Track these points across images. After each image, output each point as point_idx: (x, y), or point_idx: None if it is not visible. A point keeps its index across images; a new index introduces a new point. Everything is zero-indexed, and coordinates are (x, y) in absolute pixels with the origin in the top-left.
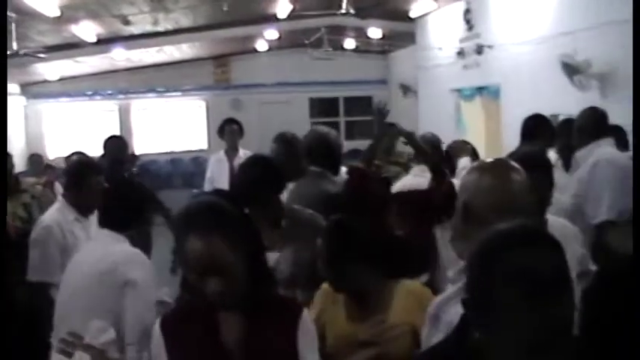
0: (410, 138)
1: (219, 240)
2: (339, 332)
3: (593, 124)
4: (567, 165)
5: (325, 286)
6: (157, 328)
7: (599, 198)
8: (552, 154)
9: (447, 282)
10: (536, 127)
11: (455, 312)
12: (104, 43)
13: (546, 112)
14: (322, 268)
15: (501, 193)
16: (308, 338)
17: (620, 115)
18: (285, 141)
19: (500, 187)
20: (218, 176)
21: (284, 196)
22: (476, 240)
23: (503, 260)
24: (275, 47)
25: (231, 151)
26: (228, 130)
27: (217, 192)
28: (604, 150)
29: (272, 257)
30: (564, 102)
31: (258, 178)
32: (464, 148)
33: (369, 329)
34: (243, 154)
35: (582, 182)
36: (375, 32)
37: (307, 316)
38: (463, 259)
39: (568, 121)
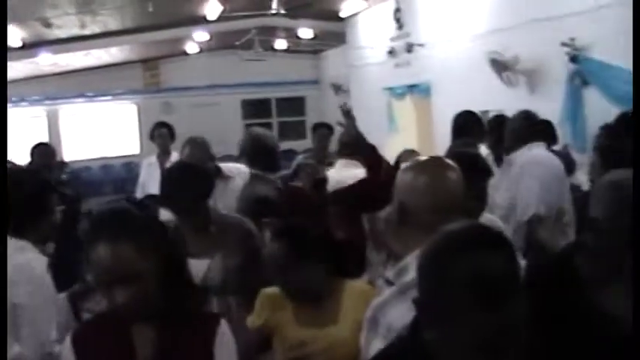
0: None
1: (127, 247)
2: (290, 338)
3: (525, 128)
4: (499, 161)
5: (268, 291)
6: (67, 343)
7: (529, 196)
8: (484, 149)
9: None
10: (466, 124)
11: (394, 314)
12: (29, 47)
13: (476, 108)
14: (273, 274)
15: (438, 193)
16: (226, 350)
17: (547, 109)
18: (195, 145)
19: (436, 186)
20: (149, 181)
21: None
22: (414, 241)
23: (455, 262)
24: (205, 49)
25: (163, 155)
26: (158, 134)
27: (128, 199)
28: (534, 152)
29: (202, 264)
30: (494, 98)
31: (185, 185)
32: (413, 157)
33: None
34: (175, 157)
35: (513, 182)
36: (305, 32)
37: (225, 327)
38: (399, 260)
39: (499, 117)
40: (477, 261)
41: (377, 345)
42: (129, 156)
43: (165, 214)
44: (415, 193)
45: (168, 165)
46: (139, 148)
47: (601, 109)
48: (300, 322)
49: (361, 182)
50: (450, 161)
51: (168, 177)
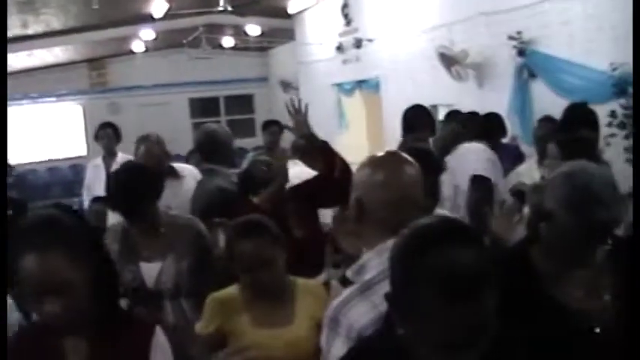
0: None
1: (57, 256)
2: (247, 341)
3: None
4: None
5: (218, 295)
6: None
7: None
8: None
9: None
10: (416, 119)
11: (355, 314)
12: None
13: (426, 103)
14: (234, 273)
15: (396, 188)
16: (162, 357)
17: (495, 103)
18: (151, 142)
19: (394, 182)
20: (95, 183)
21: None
22: (372, 238)
23: (425, 257)
24: (152, 48)
25: (109, 157)
26: (103, 135)
27: (57, 205)
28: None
29: (154, 268)
30: (443, 93)
31: (133, 186)
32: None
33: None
34: (121, 158)
35: (452, 174)
36: (253, 29)
37: (161, 335)
38: (355, 258)
39: (455, 113)
40: (447, 256)
41: (338, 345)
42: (75, 158)
43: (114, 217)
44: (373, 189)
45: (114, 166)
46: (85, 149)
47: (548, 102)
48: (255, 324)
49: (317, 178)
50: (407, 156)
51: (116, 178)
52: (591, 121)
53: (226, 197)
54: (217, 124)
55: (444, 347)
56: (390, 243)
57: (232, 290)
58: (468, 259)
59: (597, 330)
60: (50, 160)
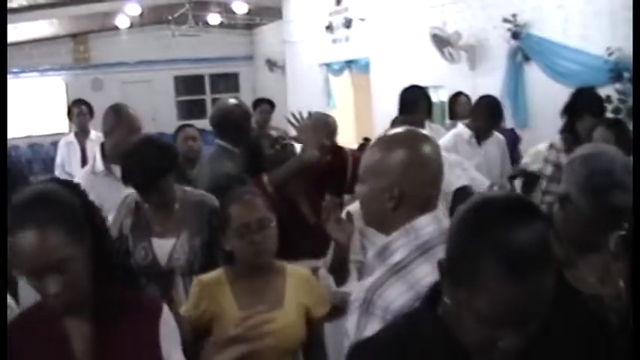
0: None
1: (56, 232)
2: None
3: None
4: (481, 140)
5: (205, 278)
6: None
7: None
8: (465, 130)
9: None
10: (413, 100)
11: (392, 295)
12: None
13: (416, 84)
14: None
15: (434, 166)
16: (171, 336)
17: (488, 85)
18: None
19: (431, 159)
20: (69, 161)
21: None
22: (403, 220)
23: (494, 230)
24: (137, 24)
25: (82, 134)
26: (76, 112)
27: (54, 179)
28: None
29: (167, 244)
30: (434, 74)
31: (149, 161)
32: None
33: (242, 323)
34: (95, 136)
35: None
36: (240, 7)
37: (168, 313)
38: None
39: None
40: (517, 230)
41: (375, 326)
42: (58, 134)
43: (128, 192)
44: (411, 170)
45: (88, 144)
46: (67, 126)
47: (542, 86)
48: (242, 308)
49: (324, 166)
50: (424, 132)
51: (130, 152)
52: (597, 107)
53: (233, 183)
54: (237, 100)
55: (496, 323)
56: (417, 222)
57: (219, 273)
58: (536, 236)
59: (612, 317)
60: (32, 137)
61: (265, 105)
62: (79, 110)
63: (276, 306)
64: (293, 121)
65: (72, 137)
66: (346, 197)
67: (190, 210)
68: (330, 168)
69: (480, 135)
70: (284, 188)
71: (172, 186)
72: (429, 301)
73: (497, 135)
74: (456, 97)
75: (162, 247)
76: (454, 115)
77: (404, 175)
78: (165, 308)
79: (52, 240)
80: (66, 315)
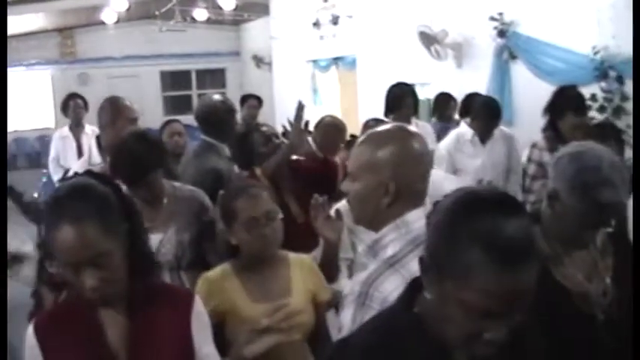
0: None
1: (94, 227)
2: (245, 316)
3: None
4: (484, 139)
5: (211, 275)
6: (30, 336)
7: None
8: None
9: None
10: (401, 97)
11: (389, 287)
12: None
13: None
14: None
15: (426, 161)
16: (203, 327)
17: (474, 83)
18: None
19: (423, 154)
20: (64, 155)
21: None
22: (396, 214)
23: (477, 222)
24: (124, 19)
25: (76, 128)
26: (72, 106)
27: (89, 173)
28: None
29: (155, 239)
30: (421, 71)
31: (138, 155)
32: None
33: (272, 314)
34: (90, 130)
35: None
36: (227, 3)
37: (200, 303)
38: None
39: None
40: (500, 223)
41: None
42: (42, 129)
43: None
44: (406, 165)
45: (83, 138)
46: (53, 121)
47: (528, 84)
48: (254, 299)
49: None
50: (413, 129)
51: (119, 147)
52: (579, 105)
53: (219, 178)
54: (221, 96)
55: (482, 314)
56: (407, 216)
57: (224, 267)
58: (521, 228)
59: (598, 313)
60: (17, 131)
61: (253, 100)
62: (74, 104)
63: (285, 294)
64: (289, 127)
65: (67, 131)
66: None
67: (179, 205)
68: (319, 177)
69: (483, 134)
70: (275, 183)
71: (161, 181)
72: (406, 300)
73: (504, 130)
74: (447, 102)
75: (151, 241)
76: (442, 117)
77: (399, 170)
78: (197, 300)
79: (90, 235)
80: (101, 306)
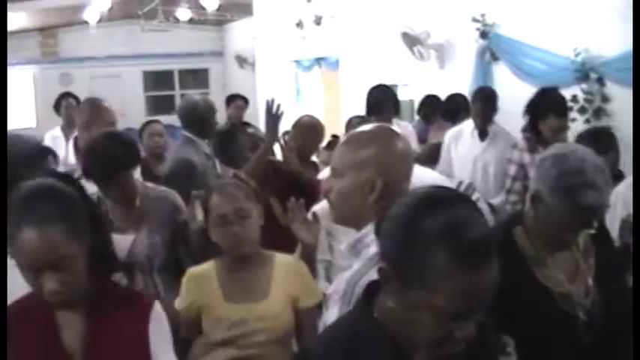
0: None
1: (58, 230)
2: (220, 315)
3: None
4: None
5: (195, 270)
6: None
7: None
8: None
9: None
10: (381, 99)
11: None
12: None
13: (385, 82)
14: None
15: (410, 160)
16: (161, 333)
17: (456, 84)
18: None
19: (408, 154)
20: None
21: None
22: (377, 212)
23: (436, 221)
24: (106, 18)
25: (68, 127)
26: (64, 105)
27: (53, 173)
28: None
29: (127, 240)
30: (404, 72)
31: (110, 154)
32: (362, 124)
33: (229, 329)
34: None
35: None
36: (210, 3)
37: (159, 308)
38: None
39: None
40: (460, 221)
41: None
42: (24, 129)
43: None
44: (392, 163)
45: (73, 137)
46: (34, 121)
47: (510, 85)
48: (229, 299)
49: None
50: (396, 129)
51: (92, 146)
52: (561, 107)
53: (192, 169)
54: (202, 97)
55: (453, 316)
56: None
57: (209, 265)
58: (480, 226)
59: (580, 314)
60: None
61: (239, 101)
62: (67, 103)
63: (262, 296)
64: (282, 143)
65: (59, 131)
66: None
67: (152, 206)
68: (302, 189)
69: (480, 130)
70: (258, 184)
71: (133, 181)
72: (364, 305)
73: (510, 135)
74: (432, 103)
75: (122, 242)
76: (426, 118)
77: (385, 168)
78: (157, 305)
79: (53, 238)
80: (59, 308)
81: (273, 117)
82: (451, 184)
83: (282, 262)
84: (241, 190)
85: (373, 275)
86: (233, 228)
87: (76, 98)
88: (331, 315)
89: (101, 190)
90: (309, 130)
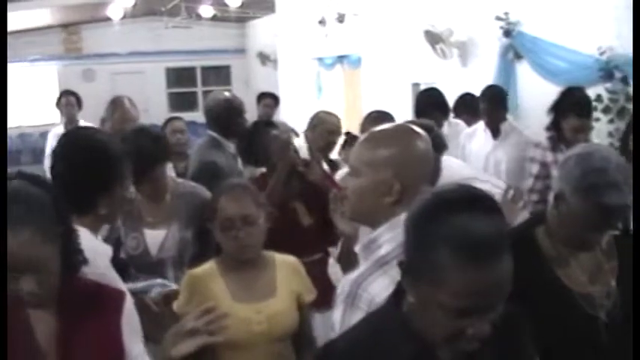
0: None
1: (31, 233)
2: (231, 316)
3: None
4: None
5: (196, 272)
6: None
7: None
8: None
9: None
10: (432, 103)
11: (377, 288)
12: None
13: (408, 80)
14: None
15: (430, 161)
16: (133, 327)
17: (479, 83)
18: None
19: (428, 154)
20: None
21: None
22: (393, 213)
23: (447, 220)
24: (129, 15)
25: (70, 125)
26: (66, 103)
27: (21, 174)
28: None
29: (158, 235)
30: (425, 71)
31: (142, 150)
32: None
33: (199, 318)
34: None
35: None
36: (233, 0)
37: (131, 304)
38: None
39: (491, 89)
40: (470, 220)
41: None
42: (48, 125)
43: None
44: (411, 164)
45: None
46: (59, 116)
47: (533, 84)
48: (237, 300)
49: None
50: (418, 129)
51: (124, 141)
52: (584, 108)
53: (217, 172)
54: (229, 94)
55: (462, 313)
56: (404, 216)
57: (210, 265)
58: (489, 225)
59: (601, 315)
60: (21, 127)
61: (268, 99)
62: (67, 101)
63: (269, 295)
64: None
65: (61, 129)
66: None
67: (181, 201)
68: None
69: (491, 128)
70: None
71: (164, 176)
72: (394, 300)
73: (523, 134)
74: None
75: (154, 237)
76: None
77: (403, 171)
78: (128, 298)
79: (28, 242)
80: (32, 308)
81: (283, 143)
82: (499, 189)
83: (283, 260)
84: (249, 195)
85: (377, 278)
86: (238, 233)
87: (76, 96)
88: (336, 315)
89: (133, 186)
90: (326, 132)
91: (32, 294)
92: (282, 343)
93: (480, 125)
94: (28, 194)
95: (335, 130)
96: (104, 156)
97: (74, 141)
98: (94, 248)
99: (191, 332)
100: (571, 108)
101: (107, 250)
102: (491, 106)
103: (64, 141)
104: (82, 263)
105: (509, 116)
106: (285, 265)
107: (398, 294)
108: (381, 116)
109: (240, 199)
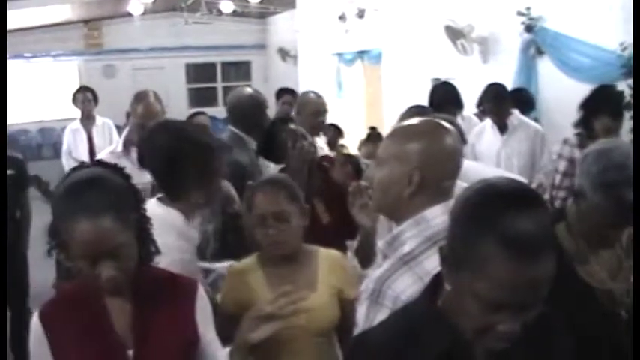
0: None
1: (111, 220)
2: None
3: None
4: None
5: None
6: (35, 322)
7: None
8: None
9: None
10: (447, 97)
11: (401, 286)
12: None
13: (428, 76)
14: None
15: (456, 158)
16: (206, 314)
17: (500, 78)
18: (148, 99)
19: (455, 151)
20: (75, 147)
21: None
22: (416, 209)
23: (495, 214)
24: (150, 11)
25: (87, 120)
26: (83, 99)
27: (99, 163)
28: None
29: None
30: (446, 66)
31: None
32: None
33: (275, 301)
34: (101, 122)
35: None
36: None
37: (203, 292)
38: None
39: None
40: (518, 215)
41: (384, 317)
42: (69, 119)
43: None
44: (435, 160)
45: (94, 130)
46: (79, 112)
47: (554, 80)
48: (276, 293)
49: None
50: (447, 124)
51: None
52: (616, 108)
53: (240, 171)
54: (253, 90)
55: (495, 306)
56: (428, 212)
57: (252, 259)
58: (538, 222)
59: (622, 312)
60: (43, 121)
61: (287, 96)
62: (83, 97)
63: (309, 289)
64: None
65: (78, 124)
66: None
67: None
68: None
69: (497, 124)
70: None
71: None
72: (430, 293)
73: (531, 126)
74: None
75: None
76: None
77: (426, 162)
78: (201, 287)
79: (108, 228)
80: (109, 295)
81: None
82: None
83: (326, 255)
84: (283, 191)
85: (402, 275)
86: (271, 230)
87: (92, 92)
88: (360, 312)
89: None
90: (313, 114)
91: (111, 280)
92: (323, 337)
93: (488, 123)
94: (107, 182)
95: (320, 111)
96: (200, 149)
97: (170, 134)
98: (185, 233)
99: (266, 317)
100: (605, 107)
101: (195, 235)
102: (494, 103)
103: (157, 134)
104: (155, 253)
105: (531, 114)
106: (328, 259)
107: (433, 287)
108: (421, 111)
109: (272, 196)
